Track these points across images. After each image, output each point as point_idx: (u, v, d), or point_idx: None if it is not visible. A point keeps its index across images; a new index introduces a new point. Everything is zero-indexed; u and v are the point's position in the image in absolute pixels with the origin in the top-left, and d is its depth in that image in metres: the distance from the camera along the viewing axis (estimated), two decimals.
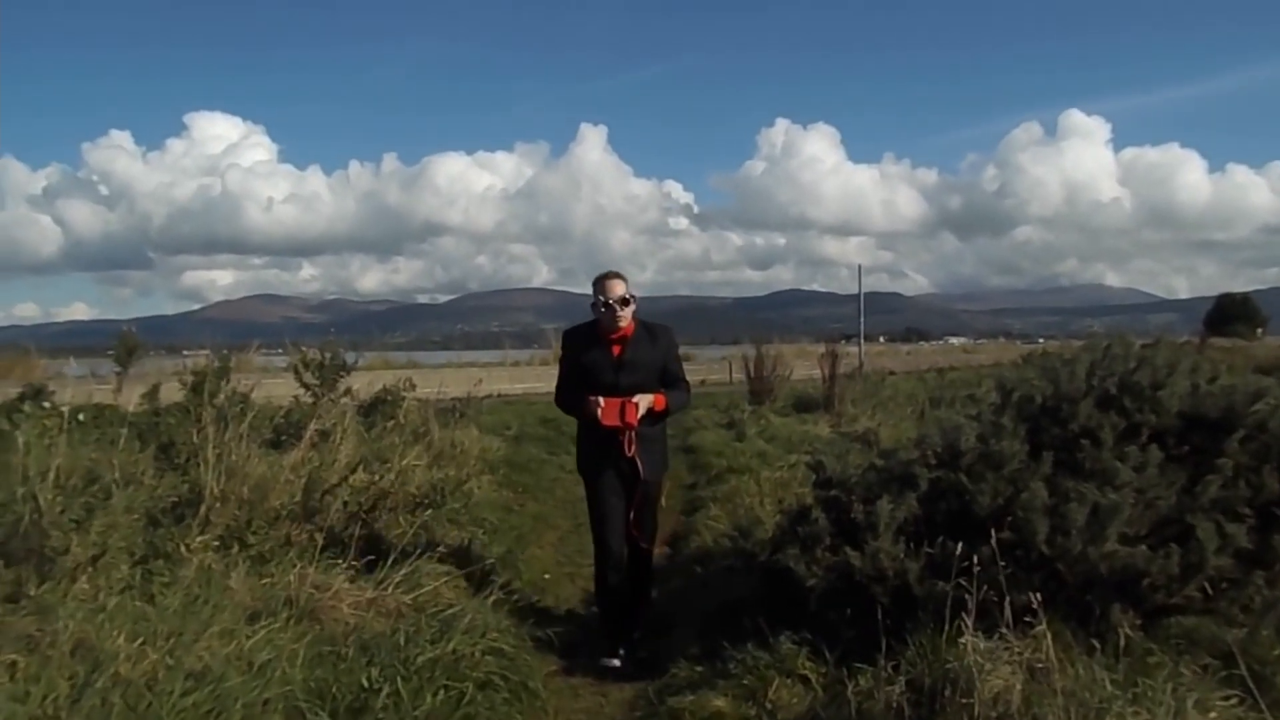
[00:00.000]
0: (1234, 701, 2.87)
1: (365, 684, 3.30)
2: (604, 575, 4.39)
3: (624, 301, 4.28)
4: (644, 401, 4.22)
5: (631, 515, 4.34)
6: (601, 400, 4.18)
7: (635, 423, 4.19)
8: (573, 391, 4.39)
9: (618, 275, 4.35)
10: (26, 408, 5.57)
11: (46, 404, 6.10)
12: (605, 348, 4.33)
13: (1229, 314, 57.49)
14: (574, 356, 4.42)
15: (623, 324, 4.29)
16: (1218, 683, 2.96)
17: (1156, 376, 3.80)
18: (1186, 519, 3.40)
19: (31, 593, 3.60)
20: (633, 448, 4.25)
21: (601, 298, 4.29)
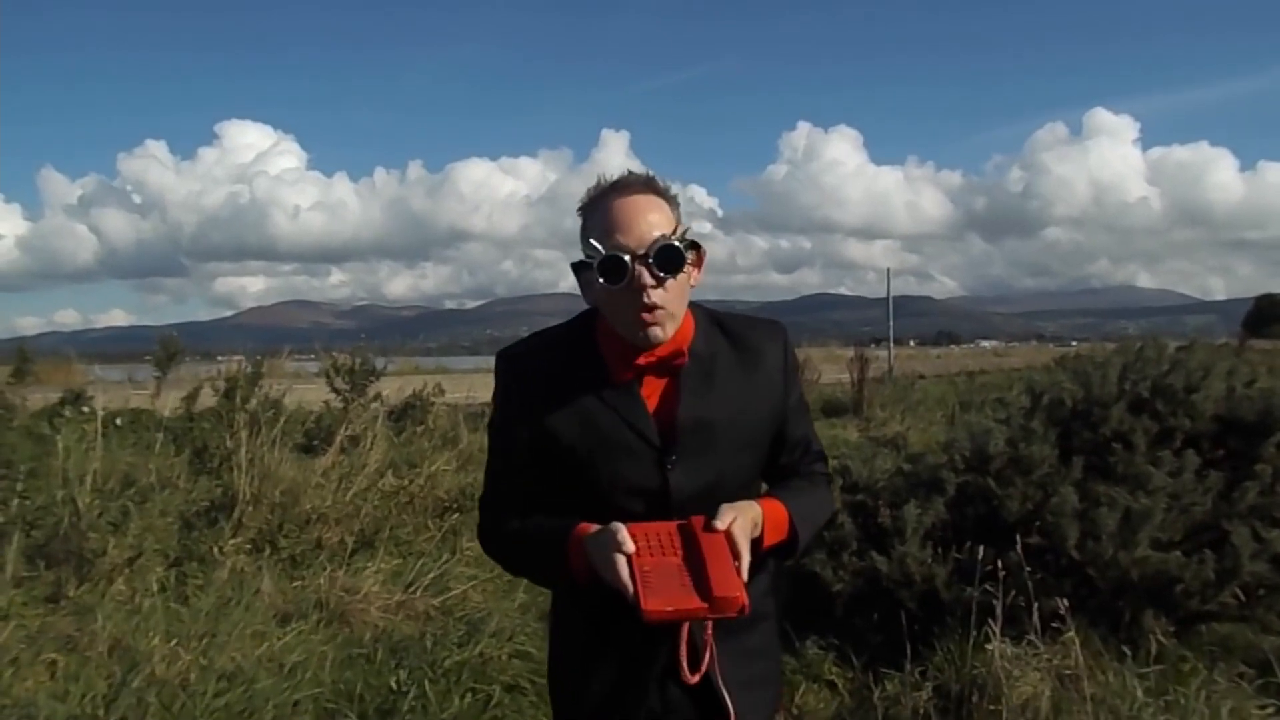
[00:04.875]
0: (1270, 710, 2.83)
1: (394, 686, 3.34)
2: None
3: (667, 258, 1.37)
4: (743, 530, 1.34)
5: None
6: (626, 538, 1.30)
7: (744, 598, 1.26)
8: (533, 513, 1.47)
9: (646, 184, 1.45)
10: (66, 412, 5.69)
11: (85, 409, 6.23)
12: (624, 391, 1.44)
13: (1268, 315, 56.30)
14: (534, 418, 1.45)
15: (665, 331, 1.41)
16: (1253, 691, 2.91)
17: (1191, 380, 3.74)
18: (1222, 525, 3.34)
19: (70, 594, 3.70)
20: (707, 659, 1.40)
21: (603, 247, 1.38)
